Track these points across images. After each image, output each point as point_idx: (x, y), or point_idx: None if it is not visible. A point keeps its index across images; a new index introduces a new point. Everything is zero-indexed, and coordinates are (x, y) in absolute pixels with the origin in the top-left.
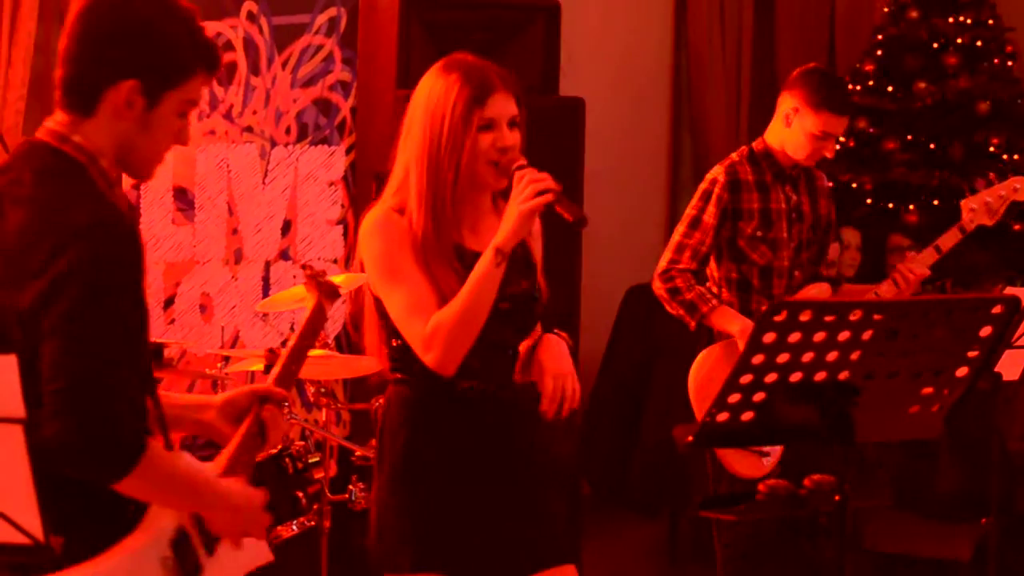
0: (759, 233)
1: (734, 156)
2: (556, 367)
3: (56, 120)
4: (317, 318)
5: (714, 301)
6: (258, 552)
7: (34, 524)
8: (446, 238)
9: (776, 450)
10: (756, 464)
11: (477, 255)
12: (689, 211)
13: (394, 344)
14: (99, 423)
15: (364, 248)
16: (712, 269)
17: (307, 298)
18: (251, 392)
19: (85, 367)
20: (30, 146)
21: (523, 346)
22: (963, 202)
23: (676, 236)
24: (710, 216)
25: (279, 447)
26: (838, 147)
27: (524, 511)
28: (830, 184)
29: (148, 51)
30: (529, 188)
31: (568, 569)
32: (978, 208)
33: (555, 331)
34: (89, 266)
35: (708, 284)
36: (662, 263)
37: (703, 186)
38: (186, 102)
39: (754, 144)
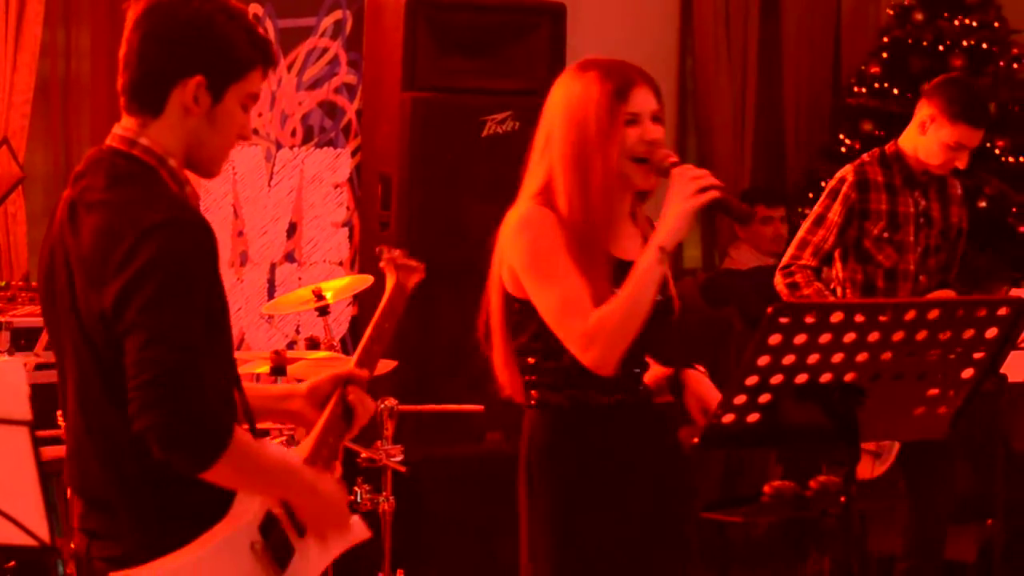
0: (885, 235)
1: (865, 157)
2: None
3: (123, 126)
4: (396, 297)
5: (832, 298)
6: (355, 529)
7: (40, 526)
8: (600, 239)
9: (892, 451)
10: (870, 464)
11: (620, 261)
12: (815, 208)
13: (527, 362)
14: (184, 413)
15: (514, 244)
16: (836, 270)
17: (387, 278)
18: (334, 376)
19: (165, 358)
20: (100, 153)
21: (656, 364)
22: None
23: (800, 232)
24: (835, 214)
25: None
26: (843, 149)
27: (669, 532)
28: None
29: (210, 46)
30: (693, 184)
31: None
32: None
33: (695, 366)
34: (164, 260)
35: (832, 286)
36: (784, 259)
37: (831, 184)
38: (248, 95)
39: (886, 147)
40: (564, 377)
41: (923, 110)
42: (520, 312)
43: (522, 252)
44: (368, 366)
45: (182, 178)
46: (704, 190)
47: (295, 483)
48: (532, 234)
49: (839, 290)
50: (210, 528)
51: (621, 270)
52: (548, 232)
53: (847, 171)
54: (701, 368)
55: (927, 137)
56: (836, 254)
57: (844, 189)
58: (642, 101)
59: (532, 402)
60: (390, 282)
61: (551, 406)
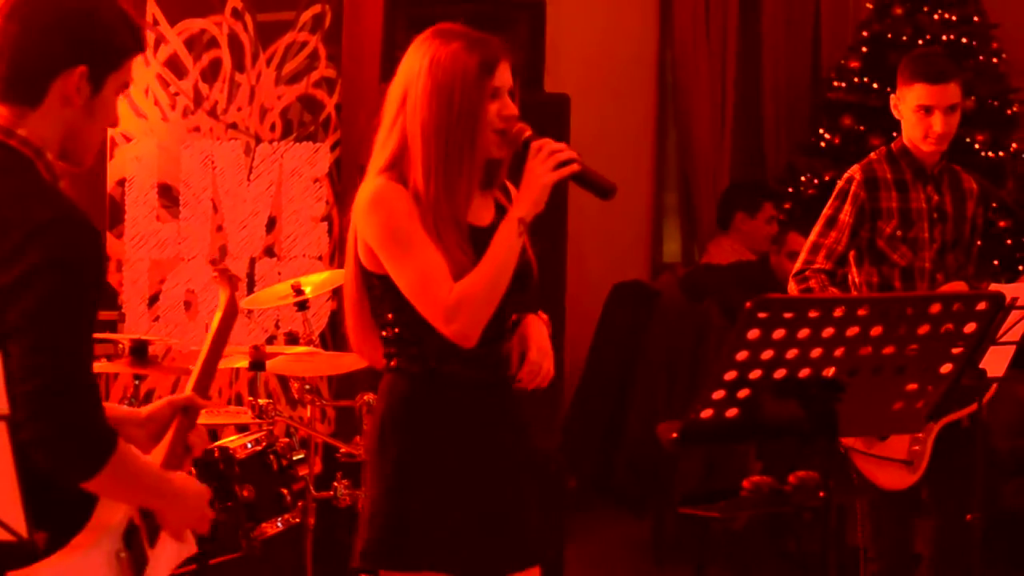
0: (899, 233)
1: (872, 155)
2: (541, 343)
3: None
4: (231, 312)
5: None
6: (187, 545)
7: (18, 520)
8: (458, 211)
9: (923, 460)
10: (903, 475)
11: (477, 229)
12: (825, 211)
13: (386, 334)
14: (73, 422)
15: (368, 219)
16: (852, 275)
17: (220, 294)
18: (170, 403)
19: (56, 366)
20: None
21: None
22: None
23: (811, 236)
24: (846, 215)
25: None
26: (822, 144)
27: (512, 506)
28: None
29: (92, 36)
30: (552, 159)
31: (535, 571)
32: None
33: (539, 313)
34: (56, 262)
35: (851, 293)
36: (797, 264)
37: (839, 185)
38: (123, 84)
39: (892, 144)
40: (422, 351)
41: (892, 99)
42: (378, 287)
43: (377, 228)
44: (206, 385)
45: (57, 172)
46: (563, 164)
47: (168, 492)
48: (386, 210)
49: (855, 294)
50: (75, 532)
51: (476, 237)
52: (402, 207)
53: (855, 171)
54: (543, 315)
55: (903, 117)
56: (851, 258)
57: (853, 188)
58: (504, 76)
59: (391, 365)
60: (224, 297)
61: (408, 372)
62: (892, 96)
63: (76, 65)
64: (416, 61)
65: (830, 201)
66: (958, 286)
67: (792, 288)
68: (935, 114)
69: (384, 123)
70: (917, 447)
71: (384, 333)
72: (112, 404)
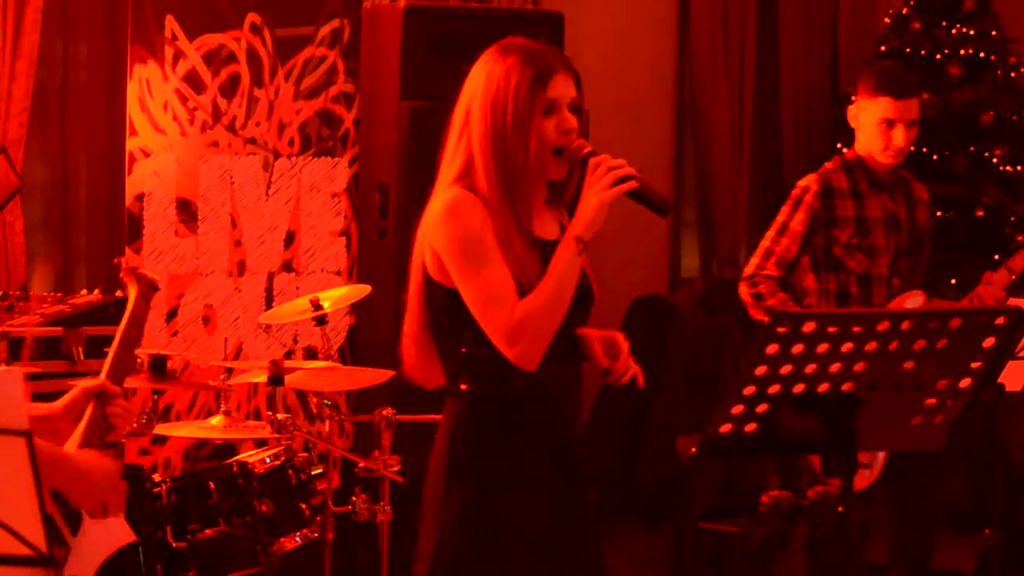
0: (854, 240)
1: (828, 165)
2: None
3: None
4: (140, 307)
5: (796, 309)
6: (122, 533)
7: (37, 535)
8: (521, 219)
9: (878, 461)
10: (859, 476)
11: (545, 242)
12: (778, 217)
13: (464, 352)
14: None
15: (441, 229)
16: (810, 282)
17: (128, 291)
18: (84, 391)
19: None
20: None
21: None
22: None
23: (764, 242)
24: (798, 223)
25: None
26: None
27: (579, 525)
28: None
29: None
30: (609, 175)
31: None
32: None
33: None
34: None
35: (807, 300)
36: (748, 268)
37: (794, 193)
38: None
39: (846, 153)
40: (495, 370)
41: (851, 109)
42: (446, 298)
43: (449, 240)
44: (121, 373)
45: None
46: (621, 180)
47: (68, 470)
48: (460, 221)
49: (814, 302)
50: None
51: (544, 249)
52: (475, 219)
53: (811, 180)
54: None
55: (862, 128)
56: (807, 266)
57: (807, 198)
58: (562, 88)
59: (462, 388)
60: (132, 293)
61: (480, 394)
62: (850, 107)
63: None
64: (477, 76)
65: (784, 208)
66: (916, 295)
67: (742, 291)
68: (897, 128)
69: (451, 139)
70: (876, 451)
71: (454, 348)
72: (31, 404)
